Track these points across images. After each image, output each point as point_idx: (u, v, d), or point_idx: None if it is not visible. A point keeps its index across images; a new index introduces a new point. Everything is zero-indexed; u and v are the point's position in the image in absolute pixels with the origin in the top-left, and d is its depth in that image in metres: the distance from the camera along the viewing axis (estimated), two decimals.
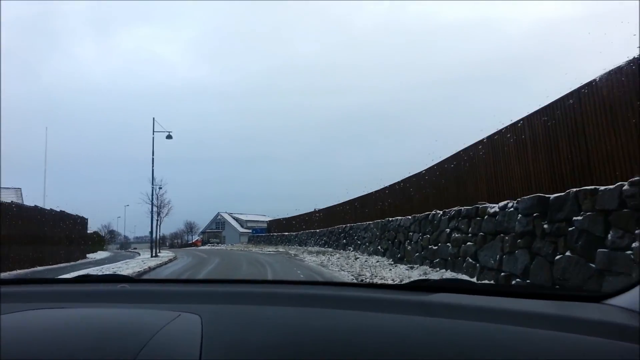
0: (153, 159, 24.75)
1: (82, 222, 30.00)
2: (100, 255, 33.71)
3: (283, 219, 41.30)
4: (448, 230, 9.86)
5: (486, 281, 7.52)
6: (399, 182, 16.20)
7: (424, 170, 13.66)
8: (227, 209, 74.33)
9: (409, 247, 12.49)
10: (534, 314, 0.93)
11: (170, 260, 22.00)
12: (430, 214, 11.20)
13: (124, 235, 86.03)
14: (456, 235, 9.34)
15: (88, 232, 41.14)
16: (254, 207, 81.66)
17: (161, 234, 36.64)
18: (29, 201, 27.97)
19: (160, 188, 43.58)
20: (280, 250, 29.65)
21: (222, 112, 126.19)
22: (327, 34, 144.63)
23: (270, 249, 31.77)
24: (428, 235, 11.06)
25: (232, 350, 0.74)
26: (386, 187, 17.54)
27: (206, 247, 50.59)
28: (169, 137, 25.53)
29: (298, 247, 31.43)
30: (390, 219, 15.03)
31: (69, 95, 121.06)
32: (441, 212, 10.52)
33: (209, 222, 72.54)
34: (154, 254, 26.67)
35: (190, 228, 76.61)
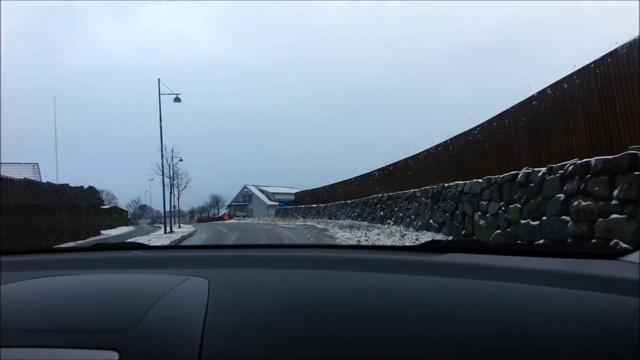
0: (161, 126, 21.82)
1: (94, 195, 27.95)
2: (119, 231, 31.93)
3: (311, 190, 38.22)
4: (562, 196, 6.33)
5: None
6: (450, 139, 12.59)
7: (477, 126, 10.07)
8: (255, 183, 72.20)
9: (482, 222, 9.03)
10: (546, 272, 0.90)
11: (184, 238, 19.51)
12: (519, 173, 7.65)
13: (154, 209, 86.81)
14: (583, 203, 5.81)
15: (104, 206, 39.56)
16: (281, 181, 79.54)
17: (175, 207, 34.02)
18: (48, 178, 26.48)
19: (180, 160, 41.39)
20: (308, 223, 26.69)
21: (245, 88, 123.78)
22: (345, 6, 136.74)
23: (298, 223, 28.88)
24: (519, 205, 7.55)
25: (238, 312, 0.75)
26: (435, 146, 13.91)
27: (232, 220, 48.41)
28: (176, 99, 22.64)
29: (327, 220, 28.39)
30: (446, 184, 11.54)
31: (93, 75, 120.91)
32: (544, 169, 6.96)
33: (235, 195, 70.55)
34: (169, 230, 24.18)
35: (216, 201, 74.97)
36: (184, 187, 29.20)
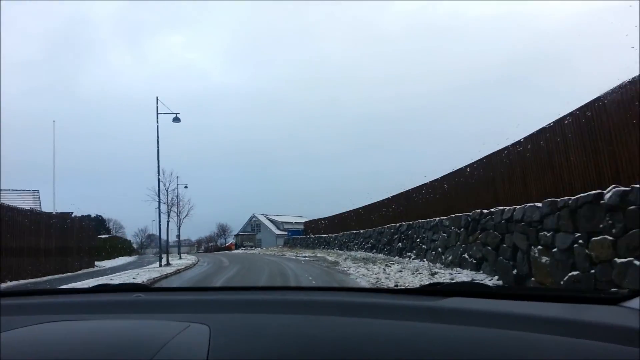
0: (158, 149, 20.15)
1: (88, 224, 26.18)
2: (117, 262, 29.93)
3: (321, 219, 36.09)
4: None
5: None
6: (487, 157, 10.57)
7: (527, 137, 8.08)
8: (263, 212, 70.31)
9: (545, 259, 6.85)
10: (547, 319, 0.90)
11: (178, 271, 17.44)
12: (606, 193, 5.54)
13: (163, 239, 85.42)
14: None
15: (103, 236, 37.67)
16: (291, 210, 77.70)
17: (173, 237, 32.17)
18: (50, 207, 24.99)
19: (185, 187, 39.79)
20: (318, 255, 24.47)
21: (255, 118, 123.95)
22: (354, 36, 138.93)
23: (306, 254, 26.64)
24: (609, 237, 5.40)
25: None
26: (466, 166, 11.84)
27: (238, 251, 46.22)
28: (176, 119, 21.06)
29: (338, 251, 26.14)
30: (487, 210, 9.42)
31: (106, 105, 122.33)
32: None
33: (244, 225, 68.56)
34: (165, 262, 22.08)
35: (223, 231, 72.90)
36: (186, 215, 27.21)
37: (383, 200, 21.57)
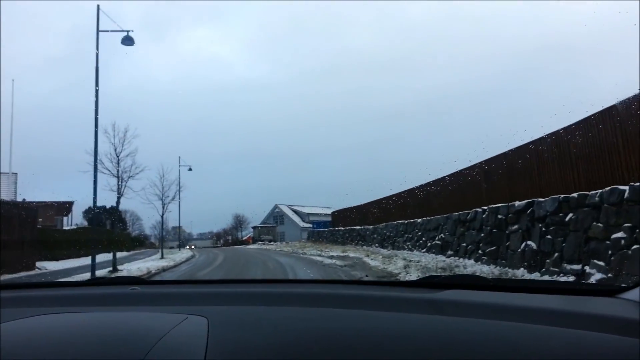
0: (97, 68, 12.28)
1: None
2: (77, 262, 22.04)
3: (351, 208, 28.18)
4: None
5: None
6: None
7: None
8: (287, 202, 62.97)
9: None
10: (545, 310, 0.90)
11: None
12: None
13: (186, 232, 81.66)
14: None
15: (70, 227, 30.74)
16: (318, 202, 70.65)
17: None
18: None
19: (189, 169, 32.64)
20: (351, 254, 16.62)
21: (281, 107, 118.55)
22: (380, 25, 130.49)
23: (334, 252, 18.79)
24: None
25: (237, 353, 0.75)
26: None
27: (252, 246, 38.95)
28: (126, 39, 13.77)
29: (381, 249, 18.20)
30: None
31: (136, 99, 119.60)
32: None
33: (265, 216, 61.41)
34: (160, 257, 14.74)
35: (239, 223, 65.75)
36: (172, 198, 19.75)
37: (454, 174, 13.57)
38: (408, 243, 16.53)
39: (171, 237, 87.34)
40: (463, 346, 0.76)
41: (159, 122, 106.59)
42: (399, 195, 19.58)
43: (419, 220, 15.82)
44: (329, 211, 47.83)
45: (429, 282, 1.24)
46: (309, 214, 58.73)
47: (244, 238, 59.52)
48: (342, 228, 27.99)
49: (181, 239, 68.43)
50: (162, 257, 18.67)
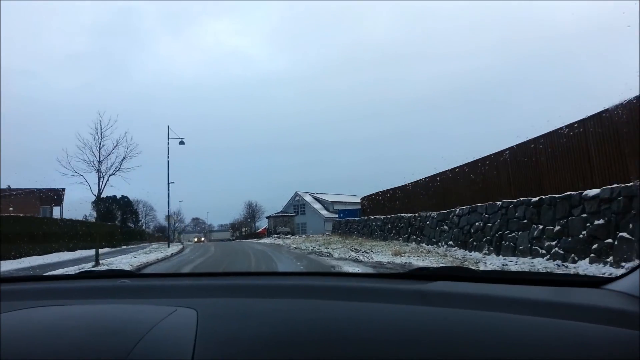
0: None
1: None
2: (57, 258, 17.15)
3: (390, 190, 21.10)
4: None
5: None
6: None
7: None
8: (308, 190, 56.06)
9: None
10: (532, 301, 0.91)
11: None
12: None
13: (206, 223, 77.69)
14: None
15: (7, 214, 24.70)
16: (341, 190, 64.42)
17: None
18: None
19: (181, 142, 26.29)
20: (415, 262, 9.61)
21: (301, 99, 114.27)
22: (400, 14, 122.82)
23: (380, 257, 11.77)
24: None
25: (226, 344, 0.75)
26: None
27: (265, 240, 32.22)
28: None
29: (455, 248, 11.14)
30: None
31: (157, 92, 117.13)
32: None
33: (285, 205, 54.70)
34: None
35: (252, 213, 59.03)
36: (112, 171, 13.14)
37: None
38: (510, 242, 9.40)
39: (191, 229, 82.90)
40: (450, 336, 0.77)
41: (182, 116, 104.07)
42: (475, 164, 12.45)
43: (498, 203, 8.71)
44: (357, 199, 40.88)
45: (418, 274, 1.24)
46: (333, 203, 51.74)
47: (259, 230, 53.04)
48: (375, 217, 20.85)
49: (174, 232, 62.43)
50: (96, 263, 12.34)
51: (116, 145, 13.59)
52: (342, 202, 50.13)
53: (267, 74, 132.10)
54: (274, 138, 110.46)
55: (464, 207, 12.16)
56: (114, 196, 61.72)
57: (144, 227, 68.28)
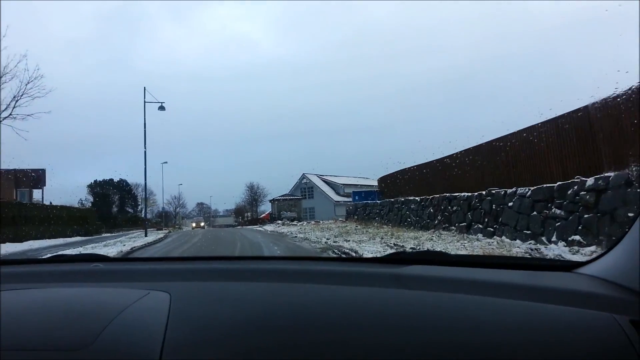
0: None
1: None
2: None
3: (417, 167, 16.27)
4: None
5: None
6: None
7: None
8: (316, 171, 51.20)
9: None
10: (504, 284, 0.92)
11: None
12: None
13: (212, 209, 74.69)
14: None
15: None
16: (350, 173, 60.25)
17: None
18: None
19: (161, 107, 21.77)
20: None
21: (308, 86, 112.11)
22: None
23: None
24: None
25: (199, 328, 0.74)
26: None
27: (267, 227, 27.59)
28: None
29: (509, 239, 6.32)
30: None
31: (162, 81, 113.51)
32: None
33: (292, 189, 50.05)
34: None
35: (254, 196, 54.17)
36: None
37: None
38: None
39: (195, 214, 79.15)
40: (426, 318, 0.78)
41: (190, 102, 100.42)
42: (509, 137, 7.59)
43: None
44: (369, 182, 36.00)
45: (396, 259, 1.24)
46: (343, 186, 47.01)
47: (262, 216, 48.45)
48: (417, 198, 15.96)
49: (176, 217, 58.06)
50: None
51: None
52: (353, 184, 45.33)
53: (272, 59, 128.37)
54: (279, 125, 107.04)
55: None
56: (111, 179, 57.60)
57: (142, 212, 64.57)
